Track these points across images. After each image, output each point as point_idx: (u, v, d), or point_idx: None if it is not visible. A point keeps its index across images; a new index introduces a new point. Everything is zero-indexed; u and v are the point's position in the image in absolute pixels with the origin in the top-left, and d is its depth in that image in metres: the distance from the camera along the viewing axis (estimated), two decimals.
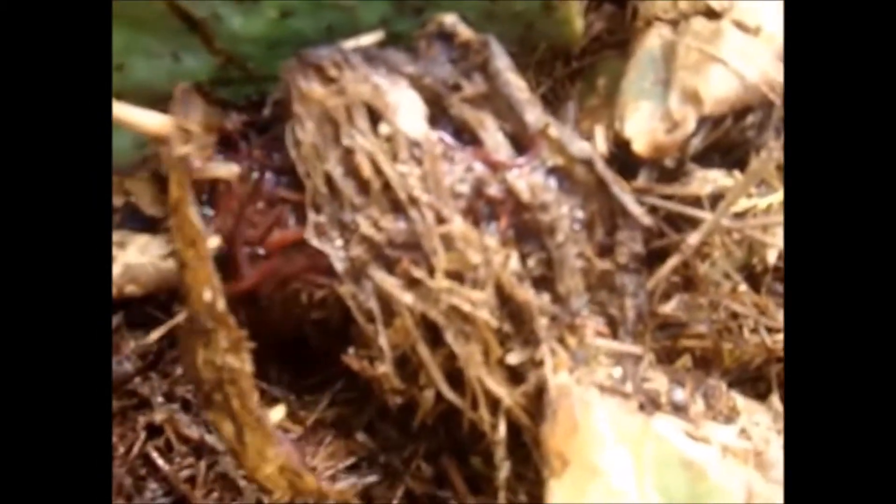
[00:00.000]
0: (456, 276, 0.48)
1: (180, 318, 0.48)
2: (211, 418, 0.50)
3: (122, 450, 0.54)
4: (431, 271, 0.48)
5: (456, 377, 0.49)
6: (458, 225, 0.48)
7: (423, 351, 0.48)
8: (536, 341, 0.49)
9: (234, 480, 0.53)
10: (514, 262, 0.48)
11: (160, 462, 0.54)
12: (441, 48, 0.51)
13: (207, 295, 0.46)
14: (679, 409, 0.50)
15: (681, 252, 0.54)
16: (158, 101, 0.53)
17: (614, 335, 0.52)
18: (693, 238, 0.54)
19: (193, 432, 0.55)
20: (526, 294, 0.48)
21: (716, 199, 0.55)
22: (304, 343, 0.54)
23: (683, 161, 0.56)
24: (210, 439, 0.54)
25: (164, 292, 0.56)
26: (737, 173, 0.56)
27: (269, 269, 0.50)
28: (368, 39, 0.51)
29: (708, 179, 0.56)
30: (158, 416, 0.54)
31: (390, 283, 0.48)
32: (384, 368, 0.49)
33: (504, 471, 0.50)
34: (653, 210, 0.55)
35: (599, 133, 0.58)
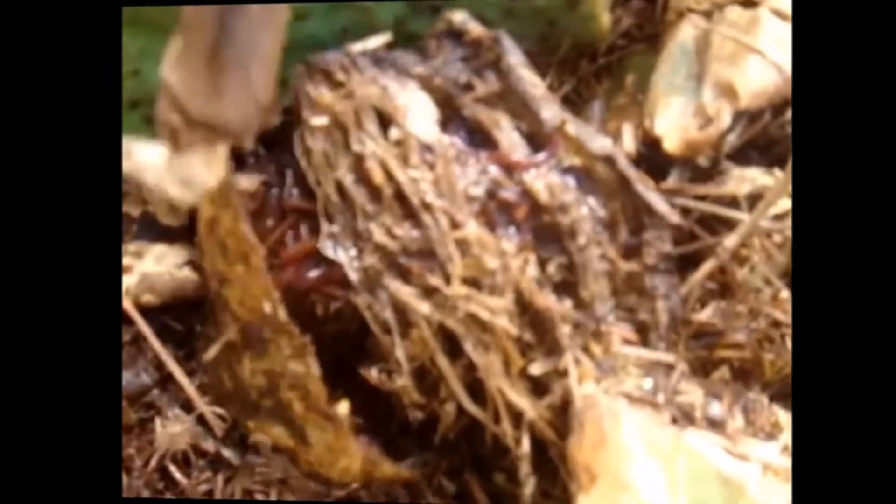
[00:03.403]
0: (473, 282, 0.48)
1: (231, 334, 0.50)
2: (252, 427, 0.52)
3: (139, 462, 0.56)
4: (447, 279, 0.48)
5: (477, 389, 0.50)
6: (472, 230, 0.48)
7: (443, 362, 0.49)
8: (560, 350, 0.49)
9: (251, 493, 0.55)
10: (533, 267, 0.49)
11: (178, 475, 0.56)
12: (451, 47, 0.52)
13: (267, 307, 0.48)
14: (716, 425, 0.50)
15: (716, 256, 0.54)
16: None
17: (645, 342, 0.51)
18: (729, 241, 0.54)
19: (210, 445, 0.56)
20: (546, 300, 0.49)
21: (754, 199, 0.55)
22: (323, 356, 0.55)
23: (718, 159, 0.56)
24: (226, 453, 0.56)
25: (178, 302, 0.58)
26: (776, 171, 0.56)
27: (285, 282, 0.51)
28: (377, 41, 0.53)
29: (745, 178, 0.56)
30: (175, 429, 0.56)
31: (406, 293, 0.49)
32: (402, 381, 0.50)
33: (529, 487, 0.50)
34: (685, 212, 0.55)
35: (627, 131, 0.58)
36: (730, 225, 0.55)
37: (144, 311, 0.57)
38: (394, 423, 0.54)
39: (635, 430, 0.48)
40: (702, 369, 0.54)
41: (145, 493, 0.55)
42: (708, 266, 0.54)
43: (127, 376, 0.57)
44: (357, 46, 0.52)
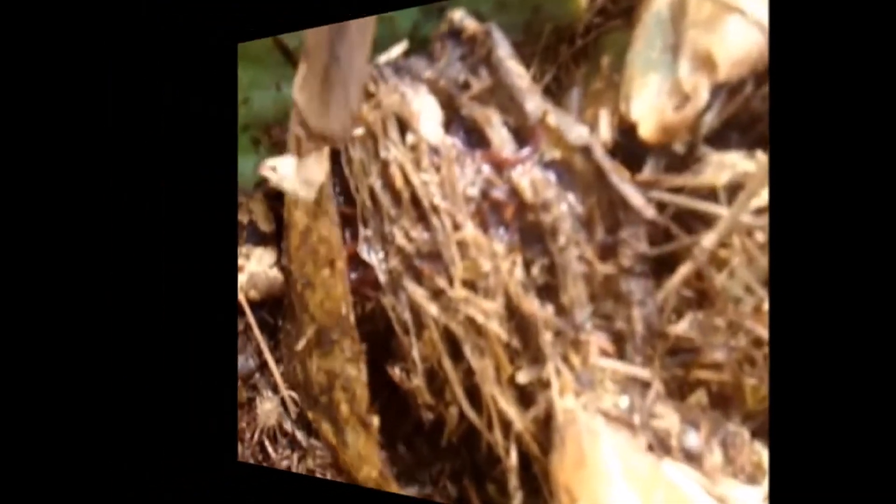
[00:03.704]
0: (471, 285, 0.50)
1: (310, 332, 0.56)
2: (312, 417, 0.59)
3: (248, 435, 0.65)
4: (451, 281, 0.50)
5: (475, 395, 0.51)
6: (469, 231, 0.50)
7: (447, 365, 0.51)
8: (543, 359, 0.49)
9: (313, 473, 0.62)
10: (520, 270, 0.49)
11: (270, 449, 0.65)
12: (452, 46, 0.55)
13: (344, 310, 0.53)
14: (692, 458, 0.45)
15: (693, 258, 0.48)
16: (268, 127, 0.64)
17: (621, 353, 0.49)
18: (707, 240, 0.48)
19: (289, 427, 0.64)
20: (532, 305, 0.49)
21: (734, 189, 0.49)
22: None
23: (696, 144, 0.50)
24: (300, 436, 0.63)
25: (270, 298, 0.66)
26: (759, 153, 0.49)
27: None
28: (397, 50, 0.56)
29: (724, 164, 0.50)
30: (267, 406, 0.64)
31: (420, 295, 0.51)
32: (417, 381, 0.52)
33: (516, 501, 0.50)
34: (661, 207, 0.49)
35: (604, 118, 0.51)
36: (707, 221, 0.49)
37: (250, 305, 0.66)
38: (408, 423, 0.56)
39: (613, 453, 0.46)
40: (678, 391, 0.49)
41: (251, 461, 0.65)
42: (684, 270, 0.49)
43: (239, 361, 0.67)
44: (383, 58, 0.56)
